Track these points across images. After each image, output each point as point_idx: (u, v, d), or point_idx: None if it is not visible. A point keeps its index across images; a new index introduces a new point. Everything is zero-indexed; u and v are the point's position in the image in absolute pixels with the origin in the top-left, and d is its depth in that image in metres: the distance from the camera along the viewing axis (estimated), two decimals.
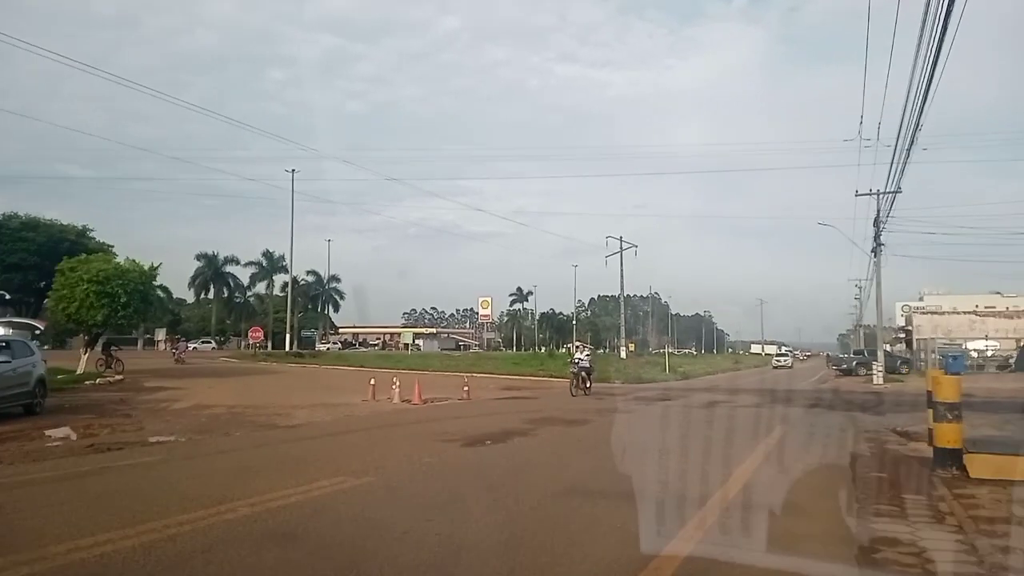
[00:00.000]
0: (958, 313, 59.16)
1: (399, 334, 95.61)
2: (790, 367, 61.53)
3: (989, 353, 42.82)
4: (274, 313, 69.35)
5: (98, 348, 27.03)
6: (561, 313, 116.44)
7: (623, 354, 54.00)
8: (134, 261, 26.64)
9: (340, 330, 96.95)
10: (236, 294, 77.21)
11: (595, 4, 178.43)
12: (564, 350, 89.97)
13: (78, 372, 23.82)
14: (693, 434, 10.66)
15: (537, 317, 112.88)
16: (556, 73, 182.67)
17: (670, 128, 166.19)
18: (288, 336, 54.35)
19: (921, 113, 16.15)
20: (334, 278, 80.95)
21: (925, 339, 50.15)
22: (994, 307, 63.37)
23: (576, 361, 22.63)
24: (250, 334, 52.90)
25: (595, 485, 7.38)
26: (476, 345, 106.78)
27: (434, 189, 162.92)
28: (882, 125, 23.97)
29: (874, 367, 31.11)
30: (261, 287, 76.85)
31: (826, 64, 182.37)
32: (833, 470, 8.09)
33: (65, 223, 46.22)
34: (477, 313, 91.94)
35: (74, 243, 40.80)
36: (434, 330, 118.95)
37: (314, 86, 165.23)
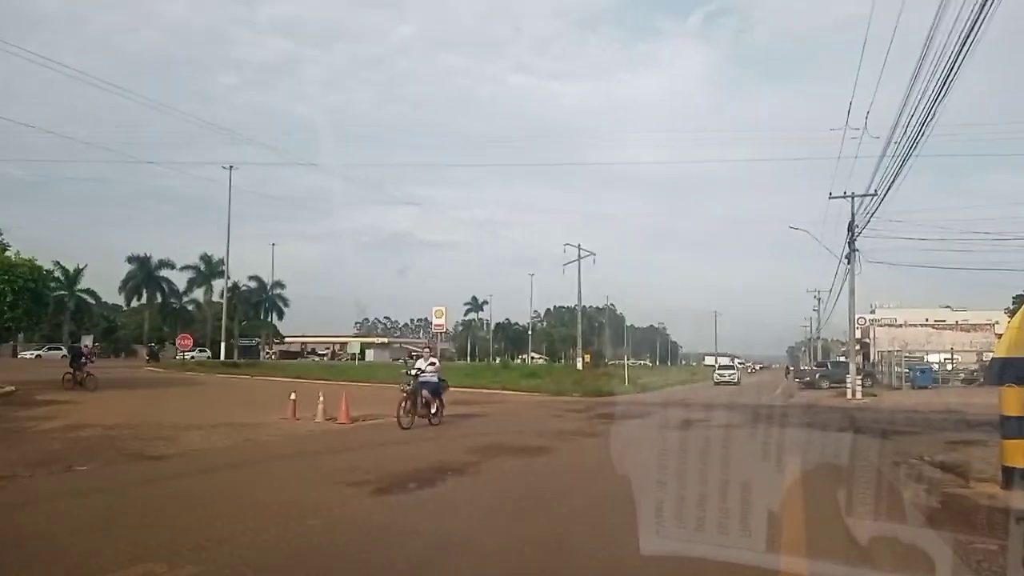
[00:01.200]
0: (916, 326, 58.97)
1: (347, 344, 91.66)
2: (736, 383, 47.09)
3: (949, 367, 41.94)
4: (214, 321, 65.05)
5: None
6: (517, 323, 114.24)
7: (579, 365, 51.87)
8: (40, 261, 23.58)
9: (286, 339, 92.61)
10: (172, 300, 72.45)
11: (551, 18, 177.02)
12: (519, 360, 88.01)
13: None
14: (690, 468, 7.78)
15: (492, 327, 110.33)
16: (511, 83, 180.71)
17: (626, 139, 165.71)
18: (223, 344, 50.25)
19: (930, 116, 14.52)
20: (278, 284, 76.70)
21: (885, 352, 49.47)
22: (944, 320, 63.81)
23: (415, 373, 14.38)
24: (178, 342, 48.69)
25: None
26: None
27: (388, 197, 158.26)
28: (866, 122, 21.92)
29: (848, 381, 29.38)
30: (199, 293, 72.30)
31: (775, 81, 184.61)
32: (912, 534, 5.50)
33: None
34: (431, 323, 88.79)
35: None
36: (386, 340, 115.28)
37: (264, 88, 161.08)
